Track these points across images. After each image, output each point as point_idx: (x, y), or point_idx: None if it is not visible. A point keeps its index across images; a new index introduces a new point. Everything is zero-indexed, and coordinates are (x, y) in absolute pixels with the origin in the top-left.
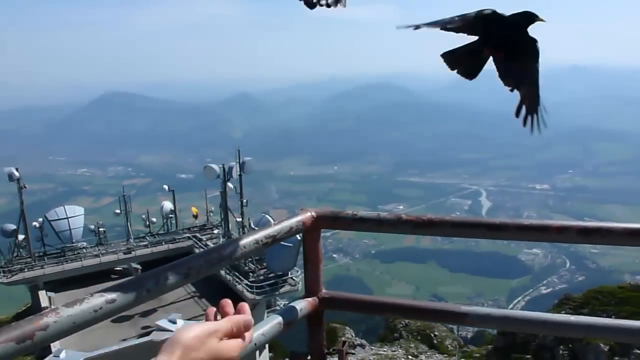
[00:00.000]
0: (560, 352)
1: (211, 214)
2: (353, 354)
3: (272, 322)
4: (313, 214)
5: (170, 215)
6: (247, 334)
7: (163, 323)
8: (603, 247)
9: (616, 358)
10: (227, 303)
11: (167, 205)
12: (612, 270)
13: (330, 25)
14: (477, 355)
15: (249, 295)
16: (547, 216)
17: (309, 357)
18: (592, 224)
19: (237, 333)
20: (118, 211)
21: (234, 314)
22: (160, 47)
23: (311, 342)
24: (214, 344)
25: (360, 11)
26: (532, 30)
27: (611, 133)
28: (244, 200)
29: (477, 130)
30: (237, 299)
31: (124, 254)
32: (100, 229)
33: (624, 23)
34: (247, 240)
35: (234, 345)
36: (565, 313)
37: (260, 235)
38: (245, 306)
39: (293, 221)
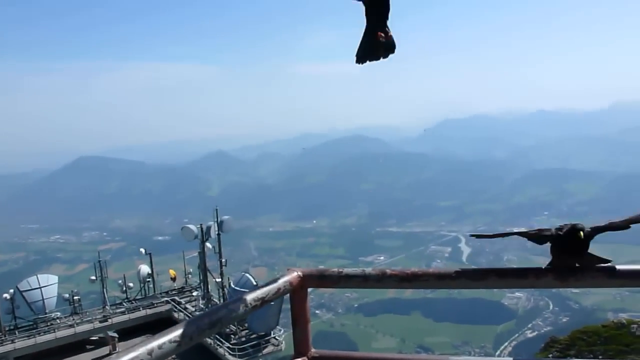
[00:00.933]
0: None
1: (190, 276)
2: None
3: None
4: (299, 273)
5: (148, 279)
6: None
7: None
8: None
9: None
10: None
11: (144, 268)
12: (594, 309)
13: (299, 82)
14: None
15: (231, 358)
16: (527, 259)
17: None
18: (568, 267)
19: None
20: (93, 277)
21: None
22: (133, 110)
23: None
24: None
25: (326, 67)
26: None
27: (580, 173)
28: (223, 260)
29: (451, 177)
30: None
31: (100, 322)
32: (75, 297)
33: (583, 70)
34: (236, 304)
35: None
36: (552, 356)
37: (249, 298)
38: None
39: (280, 282)
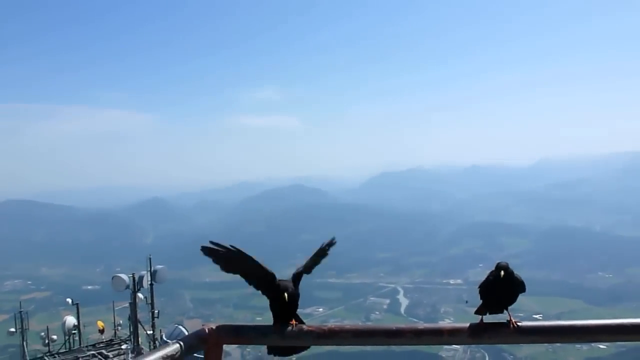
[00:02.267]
0: None
1: (119, 328)
2: None
3: None
4: (213, 327)
5: (74, 331)
6: None
7: None
8: None
9: None
10: None
11: (70, 320)
12: None
13: (238, 133)
14: None
15: None
16: (463, 310)
17: None
18: (480, 324)
19: None
20: (13, 329)
21: None
22: (63, 154)
23: None
24: None
25: (266, 120)
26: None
27: (511, 227)
28: (156, 311)
29: (390, 228)
30: None
31: None
32: None
33: (515, 126)
34: None
35: None
36: None
37: (157, 355)
38: None
39: (192, 338)
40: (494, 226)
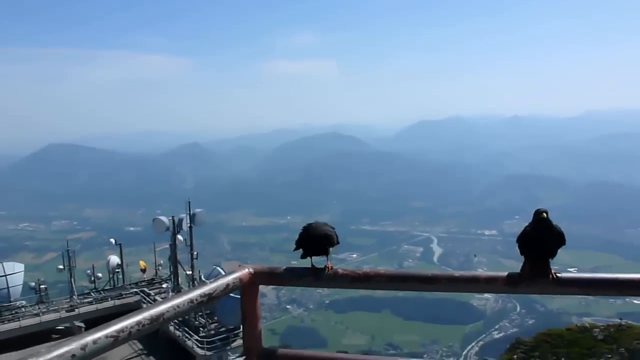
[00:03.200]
0: None
1: (160, 268)
2: None
3: None
4: (250, 270)
5: (117, 270)
6: None
7: None
8: None
9: None
10: None
11: (114, 259)
12: (560, 312)
13: (276, 79)
14: None
15: (200, 352)
16: (496, 261)
17: None
18: (517, 274)
19: None
20: (61, 267)
21: None
22: (104, 99)
23: None
24: None
25: (303, 66)
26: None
27: (550, 180)
28: (195, 253)
29: (425, 178)
30: (187, 355)
31: (67, 311)
32: (42, 286)
33: (558, 76)
34: (181, 300)
35: None
36: (517, 357)
37: (195, 294)
38: None
39: (229, 278)
40: (532, 179)
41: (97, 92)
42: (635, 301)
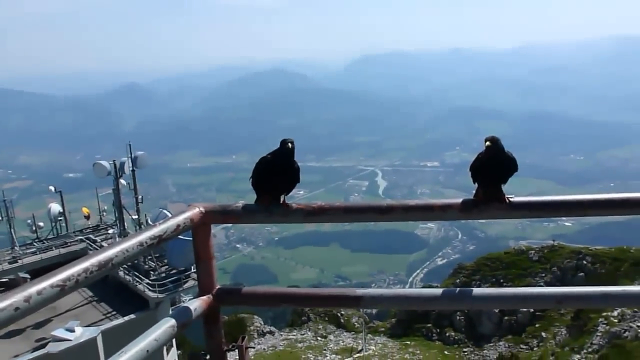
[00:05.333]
0: (457, 318)
1: (104, 214)
2: (253, 347)
3: (164, 326)
4: (201, 209)
5: (60, 218)
6: None
7: (60, 333)
8: None
9: (506, 317)
10: None
11: (55, 207)
12: (498, 237)
13: (216, 12)
14: (383, 329)
15: (152, 295)
16: (438, 191)
17: (207, 357)
18: (472, 200)
19: None
20: None
21: None
22: (33, 37)
23: (209, 341)
24: None
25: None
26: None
27: (490, 111)
28: (139, 197)
29: (369, 113)
30: (138, 299)
31: (9, 263)
32: None
33: (497, 8)
34: (130, 243)
35: None
36: (459, 281)
37: (144, 236)
38: None
39: (180, 218)
40: (472, 111)
41: (21, 28)
42: (567, 223)
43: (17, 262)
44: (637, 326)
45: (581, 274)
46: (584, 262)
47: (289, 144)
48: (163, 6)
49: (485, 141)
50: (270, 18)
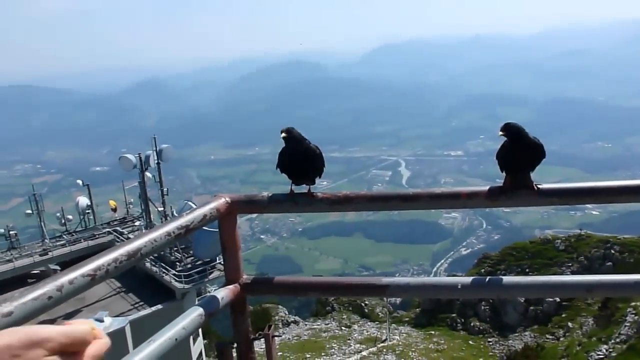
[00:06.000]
0: (482, 307)
1: (131, 206)
2: (279, 336)
3: (192, 315)
4: (227, 199)
5: (87, 211)
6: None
7: None
8: None
9: (531, 307)
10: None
11: (83, 200)
12: (523, 226)
13: (232, 4)
14: (407, 319)
15: (178, 285)
16: (462, 181)
17: (234, 346)
18: (499, 187)
19: (72, 349)
20: (29, 211)
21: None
22: (56, 35)
23: (236, 330)
24: (37, 355)
25: None
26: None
27: (511, 98)
28: (165, 189)
29: (389, 102)
30: (165, 290)
31: (40, 255)
32: (11, 232)
33: None
34: (158, 233)
35: None
36: (484, 271)
37: (171, 226)
38: (100, 333)
39: (206, 209)
40: (494, 97)
41: (44, 26)
42: (594, 212)
43: (48, 254)
44: None
45: (609, 263)
46: (612, 251)
47: (283, 134)
48: (181, 3)
49: (500, 131)
50: (284, 9)
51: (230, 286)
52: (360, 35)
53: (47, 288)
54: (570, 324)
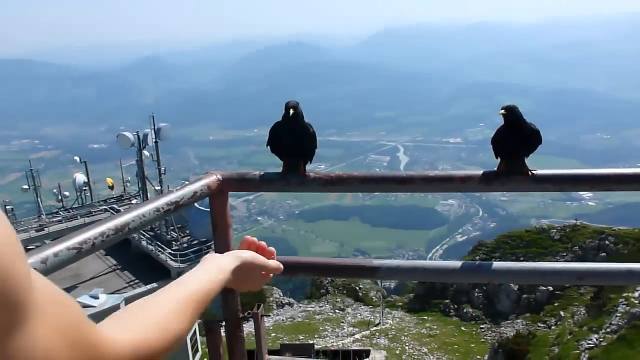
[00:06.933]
0: (476, 294)
1: (128, 184)
2: (269, 315)
3: None
4: (219, 177)
5: (85, 188)
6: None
7: (84, 299)
8: (512, 194)
9: (524, 296)
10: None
11: (80, 177)
12: (520, 215)
13: None
14: (400, 304)
15: (174, 265)
16: (460, 168)
17: (223, 324)
18: (493, 172)
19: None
20: (26, 187)
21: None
22: (55, 8)
23: (225, 309)
24: (258, 275)
25: None
26: None
27: (512, 87)
28: (162, 168)
29: (390, 87)
30: (160, 269)
31: (37, 231)
32: (8, 207)
33: None
34: (147, 209)
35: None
36: (479, 258)
37: (161, 202)
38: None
39: (197, 185)
40: (494, 86)
41: (42, 2)
42: (590, 203)
43: (44, 230)
44: None
45: (603, 254)
46: (607, 242)
47: (291, 110)
48: None
49: (501, 109)
50: None
51: None
52: (363, 19)
53: (31, 260)
54: (562, 313)
